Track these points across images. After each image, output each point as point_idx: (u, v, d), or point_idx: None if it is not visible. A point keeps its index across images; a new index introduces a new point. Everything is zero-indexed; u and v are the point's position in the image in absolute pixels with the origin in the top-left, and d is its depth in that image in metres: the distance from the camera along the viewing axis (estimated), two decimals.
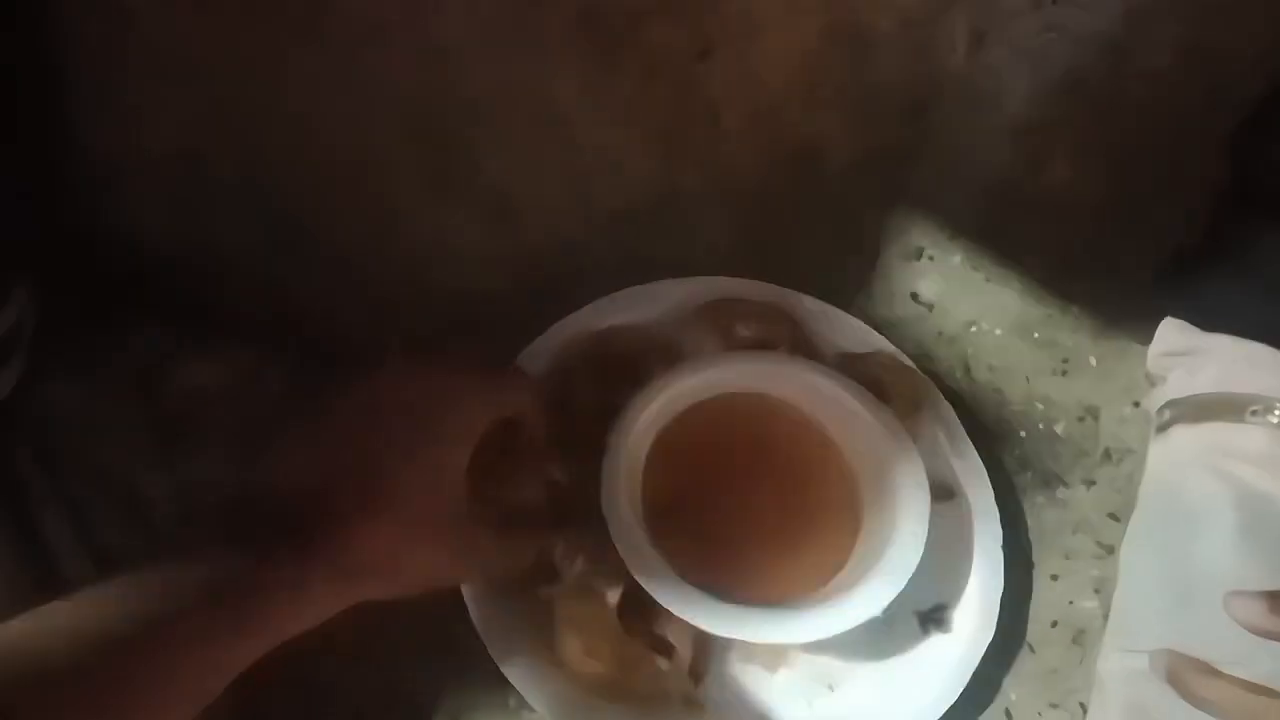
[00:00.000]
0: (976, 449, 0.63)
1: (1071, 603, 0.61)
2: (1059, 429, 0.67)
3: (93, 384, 0.58)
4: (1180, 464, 0.57)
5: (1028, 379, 0.69)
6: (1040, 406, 0.68)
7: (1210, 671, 0.46)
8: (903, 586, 0.52)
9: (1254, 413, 0.55)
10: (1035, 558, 0.63)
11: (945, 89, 0.68)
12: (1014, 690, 0.58)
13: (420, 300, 0.64)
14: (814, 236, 0.70)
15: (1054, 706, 0.58)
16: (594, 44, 0.63)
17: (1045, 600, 0.61)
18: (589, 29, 0.62)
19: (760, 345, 0.63)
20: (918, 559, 0.53)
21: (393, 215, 0.64)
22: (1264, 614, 0.47)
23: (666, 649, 0.53)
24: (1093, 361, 0.70)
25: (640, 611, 0.52)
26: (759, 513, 0.57)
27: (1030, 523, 0.64)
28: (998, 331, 0.70)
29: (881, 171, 0.70)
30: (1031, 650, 0.60)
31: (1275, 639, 0.47)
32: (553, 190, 0.66)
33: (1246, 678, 0.46)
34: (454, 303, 0.63)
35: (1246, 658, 0.48)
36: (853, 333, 0.66)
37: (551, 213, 0.66)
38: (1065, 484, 0.65)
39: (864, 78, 0.66)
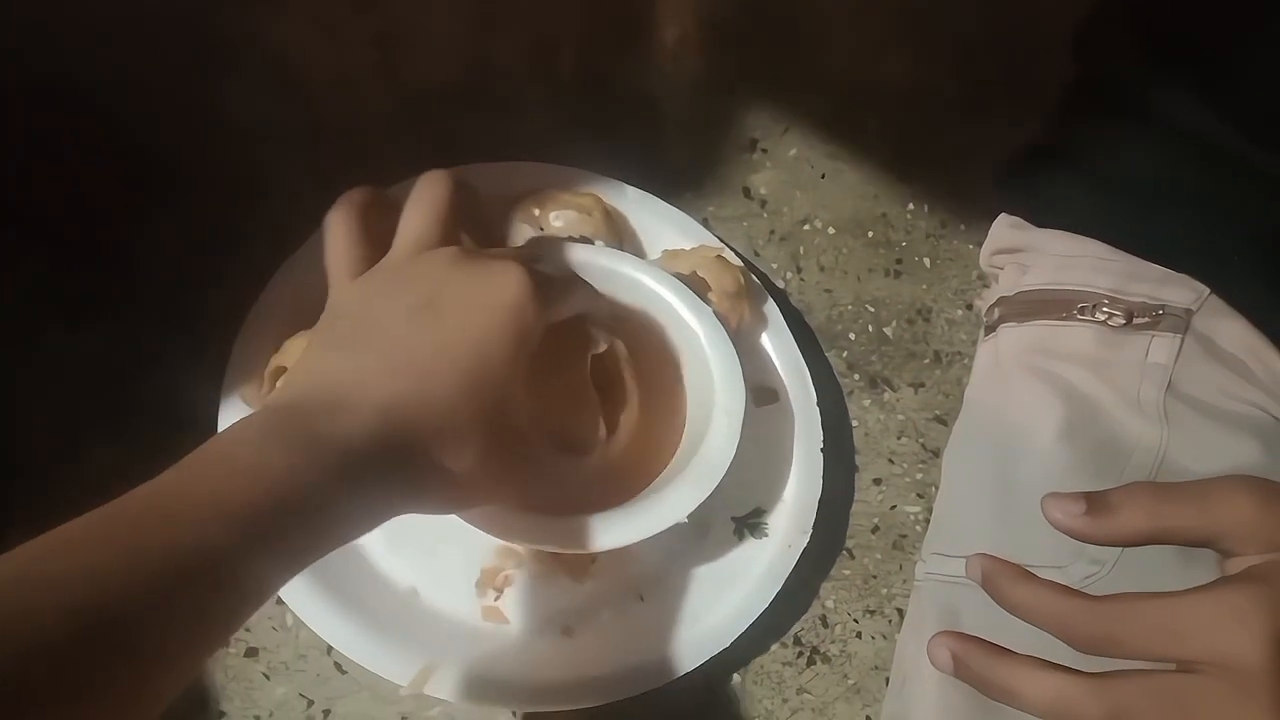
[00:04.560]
0: (803, 351, 0.60)
1: (894, 507, 0.59)
2: (889, 331, 0.65)
3: None
4: (1005, 364, 0.55)
5: (859, 279, 0.66)
6: (870, 308, 0.65)
7: (1023, 575, 0.44)
8: (709, 493, 0.48)
9: (1081, 310, 0.53)
10: (859, 462, 0.61)
11: None
12: (831, 596, 0.56)
13: (194, 181, 0.57)
14: (639, 122, 0.65)
15: (871, 612, 0.56)
16: None
17: (867, 505, 0.59)
18: None
19: (577, 237, 0.58)
20: (727, 465, 0.49)
21: (165, 86, 0.57)
22: (1080, 515, 0.45)
23: None
24: (926, 263, 0.68)
25: None
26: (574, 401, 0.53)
27: (855, 426, 0.61)
28: (831, 230, 0.67)
29: (714, 54, 0.65)
30: (850, 555, 0.58)
31: (1090, 541, 0.45)
32: (349, 60, 0.59)
33: (1062, 582, 0.44)
34: (235, 186, 0.57)
35: (1064, 561, 0.47)
36: (677, 226, 0.62)
37: (348, 85, 0.59)
38: (892, 387, 0.63)
39: None
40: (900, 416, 0.62)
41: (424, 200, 0.44)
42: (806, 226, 0.67)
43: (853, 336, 0.64)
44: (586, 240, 0.58)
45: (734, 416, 0.51)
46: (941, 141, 0.69)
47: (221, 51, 0.58)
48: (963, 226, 0.69)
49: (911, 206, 0.68)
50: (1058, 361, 0.53)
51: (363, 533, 0.36)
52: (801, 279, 0.65)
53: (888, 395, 0.63)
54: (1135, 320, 0.52)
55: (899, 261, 0.67)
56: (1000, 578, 0.45)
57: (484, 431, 0.38)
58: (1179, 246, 0.52)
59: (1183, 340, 0.51)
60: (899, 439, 0.61)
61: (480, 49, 0.62)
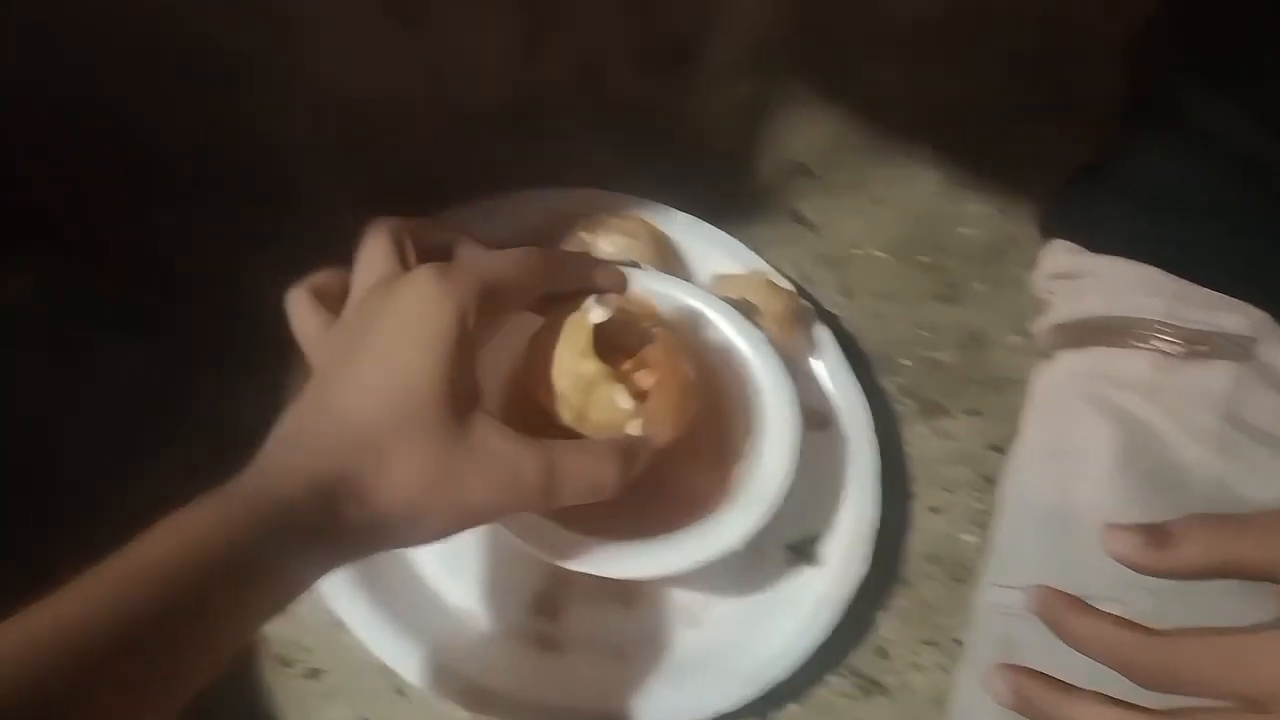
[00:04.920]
0: (856, 376, 0.60)
1: (951, 536, 0.59)
2: (943, 357, 0.64)
3: None
4: (1062, 391, 0.54)
5: (912, 304, 0.66)
6: (924, 333, 0.65)
7: (1084, 608, 0.44)
8: (764, 520, 0.48)
9: (1137, 336, 0.52)
10: (914, 490, 0.60)
11: None
12: (888, 626, 0.56)
13: (244, 205, 0.58)
14: (688, 147, 0.65)
15: (929, 644, 0.55)
16: None
17: (923, 533, 0.59)
18: None
19: (627, 262, 0.58)
20: (782, 492, 0.49)
21: (217, 107, 0.58)
22: (1140, 547, 0.44)
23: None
24: (980, 287, 0.67)
25: None
26: None
27: (910, 453, 0.61)
28: (882, 254, 0.67)
29: (763, 78, 0.65)
30: (907, 585, 0.57)
31: (1150, 573, 0.45)
32: (399, 87, 0.60)
33: (1121, 614, 0.43)
34: (282, 208, 0.57)
35: (1122, 593, 0.46)
36: (727, 250, 0.62)
37: (398, 112, 0.60)
38: (948, 414, 0.63)
39: None
40: (956, 444, 0.61)
41: (367, 252, 0.45)
42: (857, 251, 0.67)
43: (906, 362, 0.64)
44: (635, 265, 0.58)
45: (788, 443, 0.51)
46: (993, 163, 0.68)
47: (267, 71, 0.59)
48: (1016, 250, 0.68)
49: (964, 230, 0.68)
50: (1114, 389, 0.52)
51: (348, 562, 0.38)
52: (853, 304, 0.65)
53: (943, 422, 0.62)
54: (1192, 347, 0.51)
55: (952, 286, 0.67)
56: (1059, 610, 0.44)
57: (421, 449, 0.38)
58: (1233, 269, 0.52)
59: (1241, 368, 0.50)
60: (955, 467, 0.60)
61: (528, 71, 0.62)
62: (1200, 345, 0.51)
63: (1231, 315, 0.51)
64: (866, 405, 0.59)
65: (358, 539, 0.37)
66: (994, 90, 0.68)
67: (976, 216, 0.68)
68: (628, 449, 0.44)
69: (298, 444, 0.38)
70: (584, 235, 0.58)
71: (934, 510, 0.59)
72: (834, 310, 0.65)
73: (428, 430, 0.38)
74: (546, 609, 0.52)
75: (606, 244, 0.58)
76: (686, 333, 0.53)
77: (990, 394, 0.63)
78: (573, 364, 0.45)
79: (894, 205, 0.68)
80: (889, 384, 0.63)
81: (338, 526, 0.36)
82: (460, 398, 0.39)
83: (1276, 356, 0.50)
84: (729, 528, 0.48)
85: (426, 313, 0.39)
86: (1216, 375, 0.50)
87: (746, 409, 0.54)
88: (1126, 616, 0.43)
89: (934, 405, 0.63)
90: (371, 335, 0.40)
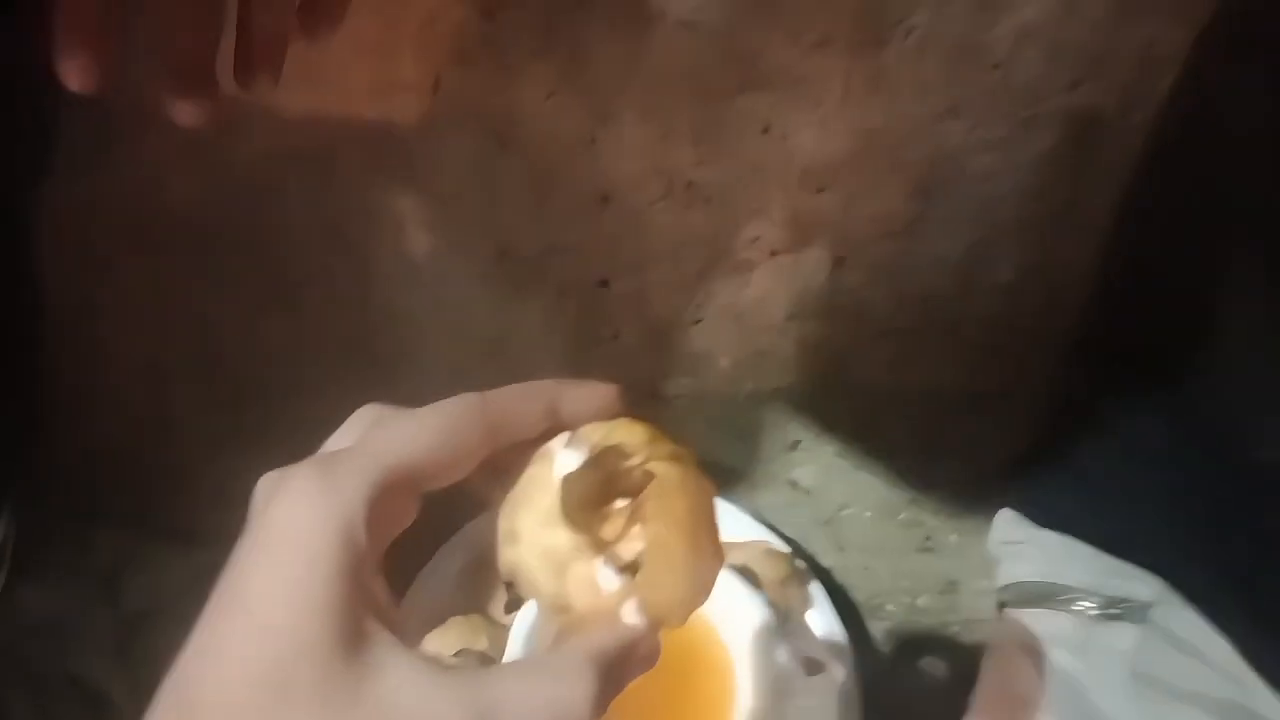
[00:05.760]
0: (846, 623, 0.72)
1: None
2: (922, 602, 0.76)
3: (61, 590, 0.66)
4: (1008, 643, 0.66)
5: (895, 557, 0.78)
6: (905, 581, 0.77)
7: None
8: None
9: (1063, 601, 0.64)
10: None
11: (813, 305, 0.78)
12: None
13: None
14: (700, 431, 0.79)
15: None
16: (510, 275, 0.73)
17: None
18: (506, 262, 0.72)
19: None
20: None
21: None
22: None
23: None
24: (953, 539, 0.79)
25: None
26: (637, 694, 0.64)
27: (894, 691, 0.72)
28: (867, 514, 0.79)
29: (761, 374, 0.80)
30: None
31: None
32: None
33: None
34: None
35: None
36: (732, 521, 0.75)
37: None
38: (929, 653, 0.74)
39: (741, 299, 0.76)
40: (936, 681, 0.72)
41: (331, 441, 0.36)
42: (845, 512, 0.79)
43: (890, 608, 0.76)
44: None
45: (785, 694, 0.62)
46: (956, 436, 0.81)
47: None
48: (983, 505, 0.80)
49: (936, 492, 0.81)
50: (1049, 645, 0.64)
51: None
52: (844, 558, 0.78)
53: (923, 661, 0.73)
54: (1107, 611, 0.63)
55: (928, 539, 0.79)
56: None
57: None
58: (1140, 545, 0.64)
59: (1144, 629, 0.62)
60: (932, 703, 0.71)
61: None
62: (1113, 609, 0.63)
63: (1138, 583, 0.63)
64: (852, 652, 0.70)
65: None
66: (958, 376, 0.82)
67: (946, 479, 0.80)
68: (608, 659, 0.32)
69: None
70: None
71: None
72: (827, 565, 0.77)
73: (303, 704, 0.28)
74: None
75: None
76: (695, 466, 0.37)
77: (965, 634, 0.75)
78: (538, 536, 0.34)
79: (877, 472, 0.81)
80: (876, 629, 0.75)
81: None
82: (349, 641, 0.29)
83: (1170, 619, 0.62)
84: None
85: (297, 534, 0.29)
86: (1125, 635, 0.62)
87: (750, 664, 0.65)
88: None
89: (916, 646, 0.74)
90: (234, 574, 0.30)
